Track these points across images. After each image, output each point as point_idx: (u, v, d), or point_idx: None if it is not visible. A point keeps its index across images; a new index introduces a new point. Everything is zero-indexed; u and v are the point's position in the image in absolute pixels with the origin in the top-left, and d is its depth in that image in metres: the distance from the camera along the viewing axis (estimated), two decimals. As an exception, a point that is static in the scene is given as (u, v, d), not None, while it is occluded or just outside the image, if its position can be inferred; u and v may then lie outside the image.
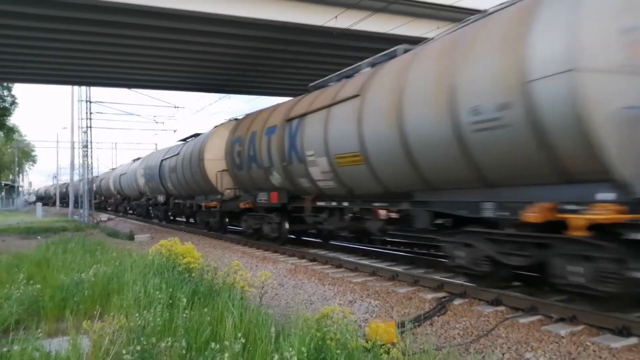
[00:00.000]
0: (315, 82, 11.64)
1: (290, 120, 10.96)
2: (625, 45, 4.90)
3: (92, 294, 5.83)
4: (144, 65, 18.25)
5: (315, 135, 9.72)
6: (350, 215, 9.91)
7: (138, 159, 30.29)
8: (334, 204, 10.13)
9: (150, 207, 27.15)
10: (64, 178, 55.48)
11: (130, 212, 33.35)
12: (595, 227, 5.00)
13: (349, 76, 10.15)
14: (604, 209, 4.87)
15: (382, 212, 9.39)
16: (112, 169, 42.33)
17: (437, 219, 7.71)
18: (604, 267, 5.05)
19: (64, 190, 51.67)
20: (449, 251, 7.19)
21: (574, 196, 5.26)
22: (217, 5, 12.37)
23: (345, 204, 9.75)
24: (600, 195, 5.00)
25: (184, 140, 21.20)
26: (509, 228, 6.15)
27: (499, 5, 6.51)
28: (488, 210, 6.35)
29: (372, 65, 9.50)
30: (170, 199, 22.44)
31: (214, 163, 15.91)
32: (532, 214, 5.46)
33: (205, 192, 17.09)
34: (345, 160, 8.84)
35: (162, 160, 21.99)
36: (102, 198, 42.26)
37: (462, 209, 6.78)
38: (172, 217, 25.47)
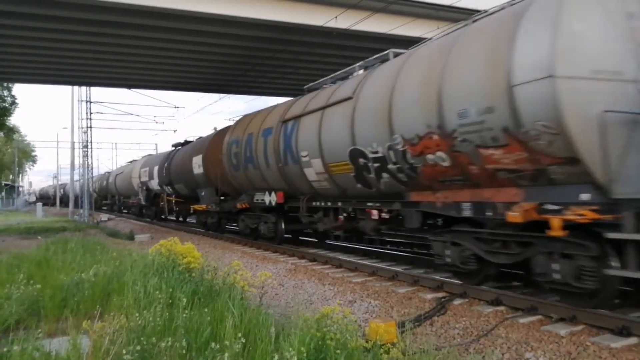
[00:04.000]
0: (309, 85, 11.75)
1: (285, 122, 11.09)
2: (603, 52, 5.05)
3: (92, 294, 5.82)
4: (144, 65, 18.26)
5: (309, 136, 9.86)
6: (344, 215, 10.06)
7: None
8: (328, 204, 10.25)
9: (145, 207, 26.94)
10: (64, 178, 55.25)
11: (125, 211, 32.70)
12: (577, 227, 5.15)
13: (343, 78, 10.28)
14: (580, 210, 5.05)
15: (375, 213, 9.50)
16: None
17: (429, 219, 7.84)
18: (583, 264, 5.24)
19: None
20: (437, 250, 7.30)
21: (554, 197, 5.41)
22: (217, 5, 12.39)
23: (339, 204, 9.91)
24: (578, 197, 5.16)
25: (183, 143, 21.30)
26: (495, 227, 6.29)
27: (495, 7, 6.54)
28: (474, 211, 6.48)
29: (365, 68, 9.67)
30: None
31: (213, 164, 16.04)
32: (515, 214, 5.60)
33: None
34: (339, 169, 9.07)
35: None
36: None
37: (452, 209, 6.87)
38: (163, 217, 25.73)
